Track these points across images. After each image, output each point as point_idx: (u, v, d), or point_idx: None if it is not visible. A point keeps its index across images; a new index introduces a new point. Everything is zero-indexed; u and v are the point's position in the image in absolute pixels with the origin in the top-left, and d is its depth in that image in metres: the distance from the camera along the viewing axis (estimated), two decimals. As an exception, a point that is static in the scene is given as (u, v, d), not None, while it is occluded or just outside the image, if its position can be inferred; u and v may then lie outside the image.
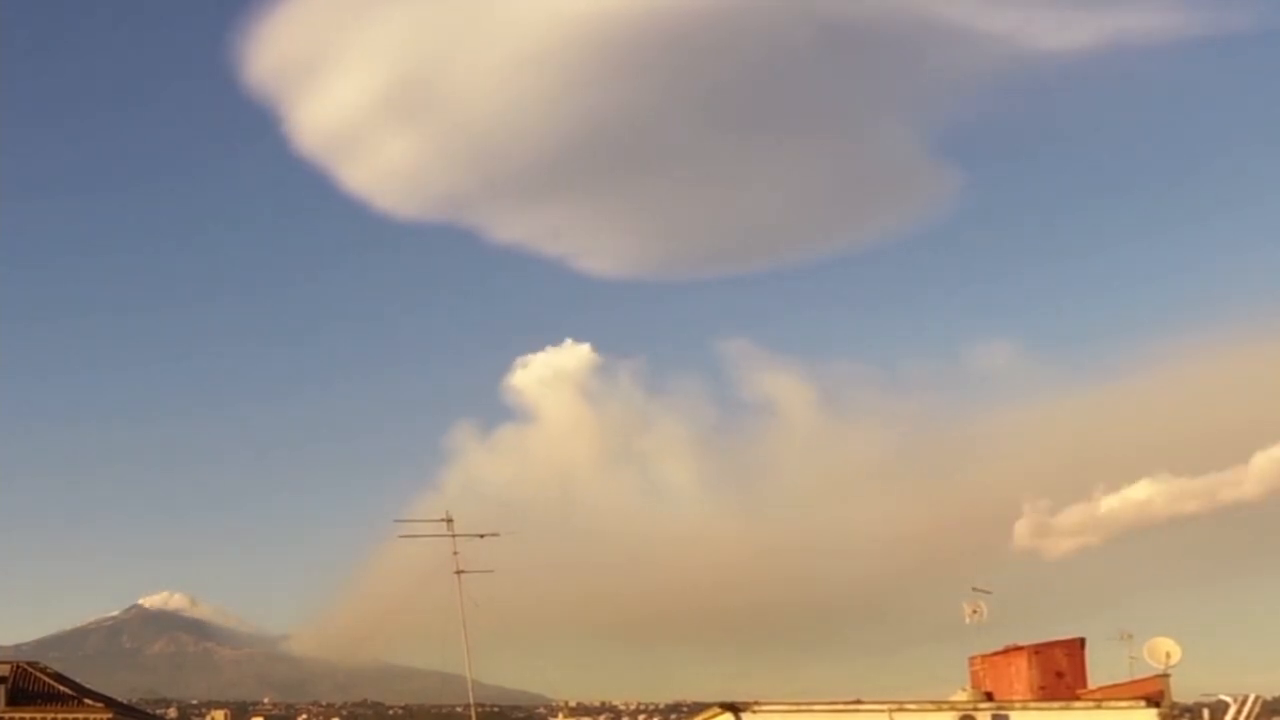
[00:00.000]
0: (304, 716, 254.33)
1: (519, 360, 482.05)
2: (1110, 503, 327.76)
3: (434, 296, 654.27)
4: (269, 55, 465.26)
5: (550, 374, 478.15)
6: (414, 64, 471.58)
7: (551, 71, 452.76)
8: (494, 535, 39.61)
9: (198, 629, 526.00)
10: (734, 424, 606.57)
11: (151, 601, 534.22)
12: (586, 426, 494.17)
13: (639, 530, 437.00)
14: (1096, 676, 36.14)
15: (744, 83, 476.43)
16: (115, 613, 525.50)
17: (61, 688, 57.24)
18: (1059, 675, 35.94)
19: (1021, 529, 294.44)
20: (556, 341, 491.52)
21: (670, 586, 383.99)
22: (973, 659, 38.48)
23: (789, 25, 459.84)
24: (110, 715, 56.62)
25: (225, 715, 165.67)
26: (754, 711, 30.54)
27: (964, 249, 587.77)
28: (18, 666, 57.95)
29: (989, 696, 34.42)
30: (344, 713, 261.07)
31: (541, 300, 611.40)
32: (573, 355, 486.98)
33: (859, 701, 31.65)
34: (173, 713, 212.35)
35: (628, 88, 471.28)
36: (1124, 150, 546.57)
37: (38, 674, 57.73)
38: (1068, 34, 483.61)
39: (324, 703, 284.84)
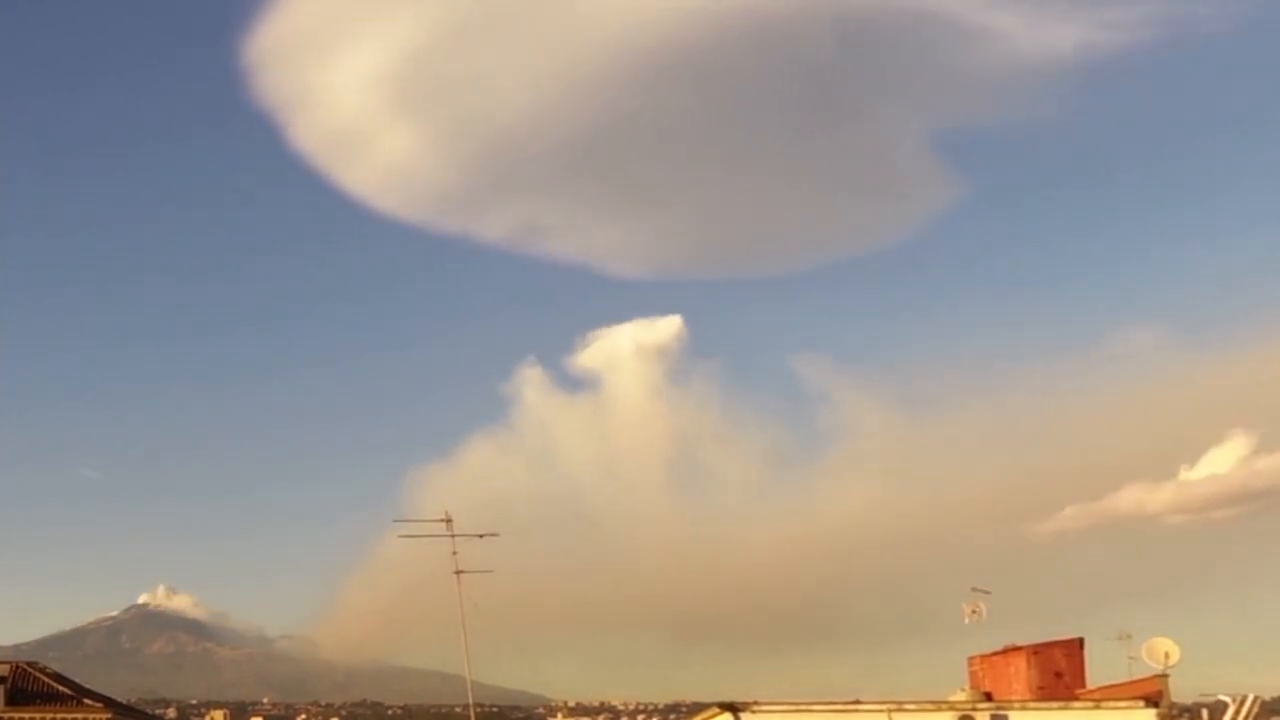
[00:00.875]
0: (303, 716, 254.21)
1: (592, 335, 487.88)
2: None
3: (440, 301, 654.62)
4: (270, 48, 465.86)
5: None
6: (423, 62, 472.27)
7: (571, 74, 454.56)
8: (493, 535, 39.64)
9: (197, 629, 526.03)
10: (764, 423, 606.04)
11: (151, 601, 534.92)
12: (604, 421, 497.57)
13: (646, 530, 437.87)
14: (1095, 676, 36.18)
15: (767, 77, 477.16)
16: (114, 613, 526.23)
17: (61, 688, 57.24)
18: (1058, 675, 35.95)
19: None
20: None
21: (673, 586, 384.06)
22: (971, 659, 38.50)
23: (810, 24, 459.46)
24: (109, 715, 56.61)
25: (224, 715, 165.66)
26: (753, 711, 30.51)
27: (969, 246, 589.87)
28: (17, 666, 57.95)
29: (988, 696, 34.42)
30: (343, 713, 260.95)
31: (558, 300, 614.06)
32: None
33: (858, 701, 31.63)
34: (172, 713, 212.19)
35: (642, 85, 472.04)
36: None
37: (37, 674, 57.72)
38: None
39: (323, 703, 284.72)
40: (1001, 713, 31.18)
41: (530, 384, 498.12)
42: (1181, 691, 33.20)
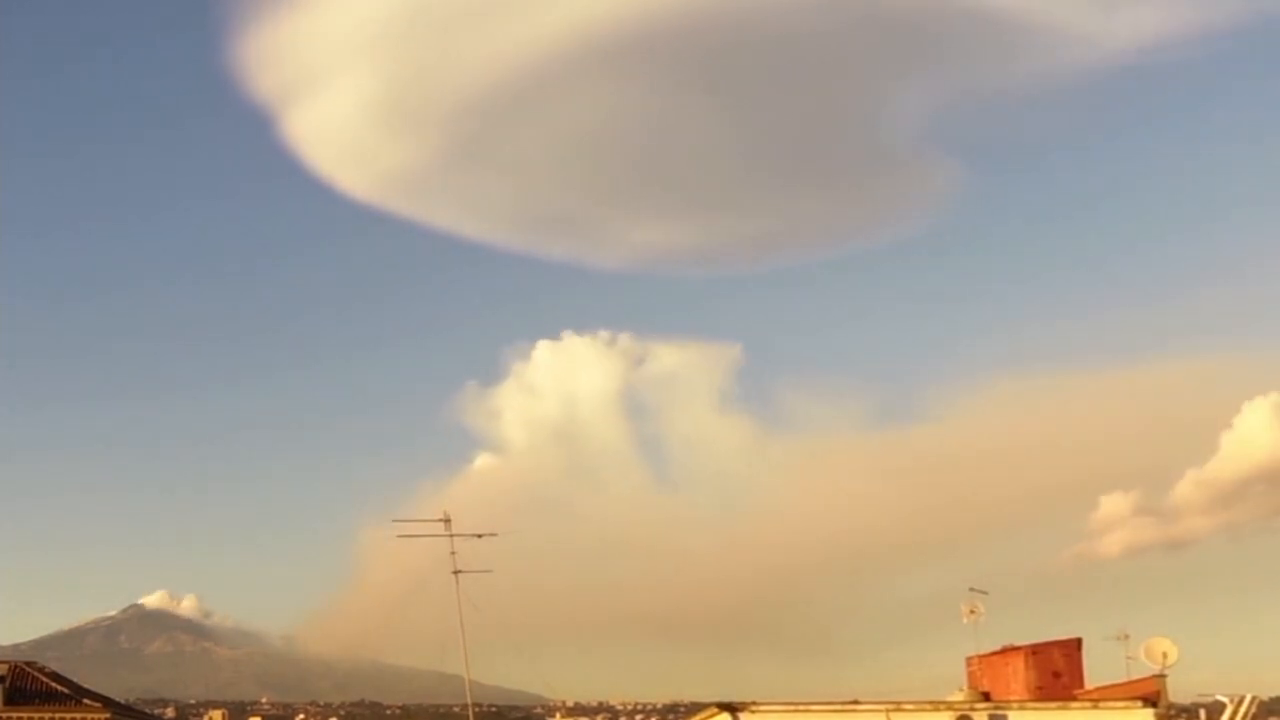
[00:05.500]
0: (302, 716, 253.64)
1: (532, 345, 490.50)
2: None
3: (436, 298, 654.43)
4: (266, 54, 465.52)
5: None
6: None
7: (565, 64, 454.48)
8: (492, 535, 39.65)
9: (196, 629, 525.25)
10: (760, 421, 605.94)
11: (150, 601, 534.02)
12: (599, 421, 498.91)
13: (642, 529, 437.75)
14: (1094, 677, 36.18)
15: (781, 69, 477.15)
16: (113, 612, 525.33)
17: (59, 687, 57.24)
18: (1056, 675, 35.94)
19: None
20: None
21: (670, 586, 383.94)
22: (970, 659, 38.48)
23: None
24: (108, 715, 56.62)
25: (223, 715, 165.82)
26: (751, 711, 30.50)
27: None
28: (16, 666, 57.97)
29: (986, 697, 34.42)
30: (342, 712, 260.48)
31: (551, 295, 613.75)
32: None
33: (856, 702, 31.64)
34: (171, 712, 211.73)
35: (648, 80, 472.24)
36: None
37: (35, 674, 57.73)
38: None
39: (322, 703, 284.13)
40: (1000, 713, 31.16)
41: (533, 376, 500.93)
42: (1179, 692, 33.24)
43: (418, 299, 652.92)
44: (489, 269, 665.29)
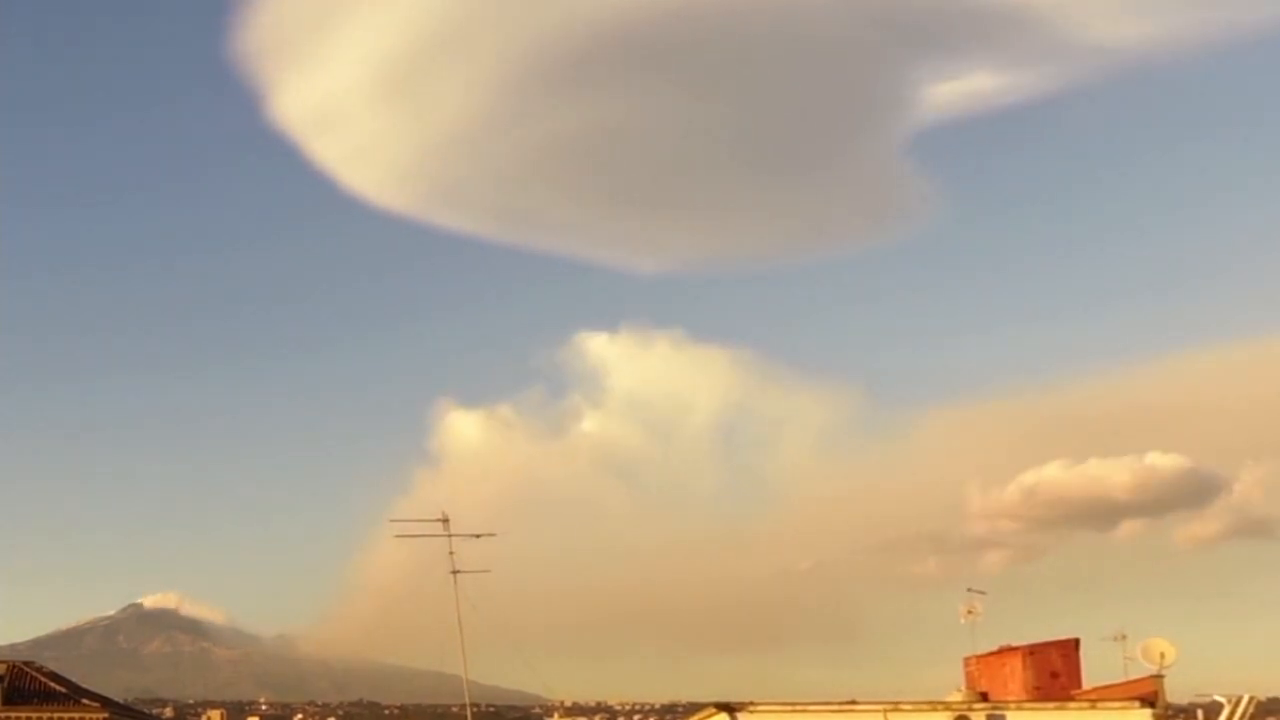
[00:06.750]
0: (300, 716, 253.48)
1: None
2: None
3: (438, 296, 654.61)
4: (263, 37, 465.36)
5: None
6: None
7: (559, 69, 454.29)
8: (490, 535, 39.69)
9: (194, 629, 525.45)
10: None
11: (148, 601, 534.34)
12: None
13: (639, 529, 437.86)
14: (1091, 677, 36.19)
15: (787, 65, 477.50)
16: (112, 612, 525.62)
17: (57, 687, 57.20)
18: (1054, 676, 35.95)
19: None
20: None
21: (667, 586, 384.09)
22: (968, 659, 38.50)
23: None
24: (106, 715, 56.58)
25: (222, 715, 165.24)
26: (749, 712, 30.52)
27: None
28: (14, 666, 57.89)
29: (984, 697, 34.43)
30: (340, 712, 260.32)
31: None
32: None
33: (854, 702, 31.64)
34: (169, 712, 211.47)
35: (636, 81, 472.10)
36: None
37: (34, 673, 57.67)
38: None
39: (320, 702, 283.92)
40: (998, 713, 31.17)
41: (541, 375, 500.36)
42: (1177, 692, 33.22)
43: (422, 294, 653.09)
44: (491, 264, 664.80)
